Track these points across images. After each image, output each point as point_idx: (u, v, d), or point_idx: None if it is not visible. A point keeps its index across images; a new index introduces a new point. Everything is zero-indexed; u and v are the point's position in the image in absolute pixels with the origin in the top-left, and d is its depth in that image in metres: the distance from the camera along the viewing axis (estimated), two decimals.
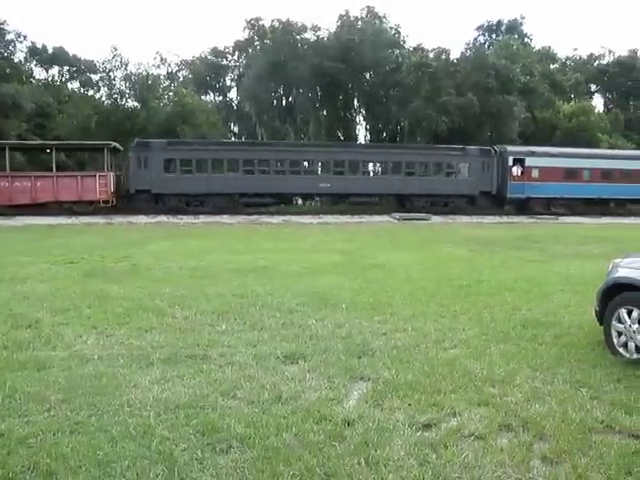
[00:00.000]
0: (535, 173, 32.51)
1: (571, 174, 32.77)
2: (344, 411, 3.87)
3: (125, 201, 29.82)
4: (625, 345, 5.12)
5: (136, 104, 40.26)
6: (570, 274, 10.41)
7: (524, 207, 33.01)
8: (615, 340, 5.23)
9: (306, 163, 32.20)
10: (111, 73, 40.78)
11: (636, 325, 4.98)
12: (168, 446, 3.34)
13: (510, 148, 33.85)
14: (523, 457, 3.25)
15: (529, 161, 32.54)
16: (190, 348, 5.31)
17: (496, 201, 33.42)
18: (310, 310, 6.99)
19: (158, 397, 4.09)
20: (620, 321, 5.17)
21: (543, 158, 32.61)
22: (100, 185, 27.62)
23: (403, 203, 32.87)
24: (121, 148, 30.21)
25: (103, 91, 41.76)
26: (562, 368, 4.82)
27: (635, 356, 4.97)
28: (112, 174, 28.78)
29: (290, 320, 6.45)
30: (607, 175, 33.26)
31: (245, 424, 3.62)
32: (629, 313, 5.07)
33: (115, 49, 40.30)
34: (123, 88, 40.71)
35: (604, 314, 5.42)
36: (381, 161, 33.38)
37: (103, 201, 27.98)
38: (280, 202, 31.96)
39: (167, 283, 8.93)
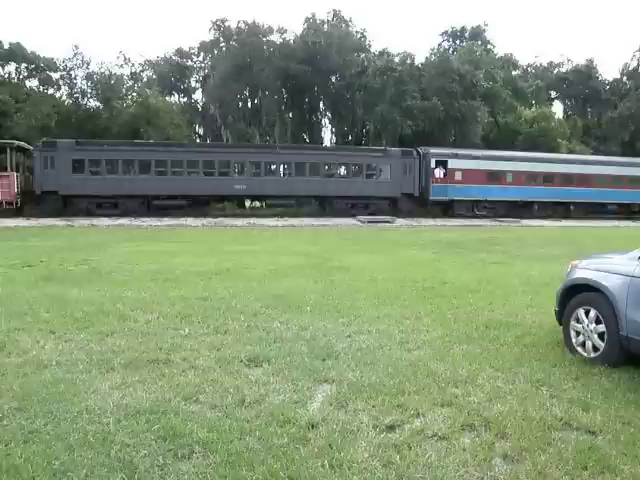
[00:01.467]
0: (458, 175, 32.80)
1: (495, 177, 33.39)
2: (308, 414, 3.85)
3: (33, 203, 28.84)
4: (583, 344, 5.25)
5: (98, 104, 39.52)
6: (531, 275, 10.63)
7: (448, 209, 33.39)
8: (574, 339, 5.36)
9: (220, 164, 31.03)
10: (72, 72, 40.06)
11: (593, 325, 5.11)
12: (128, 453, 3.26)
13: (433, 150, 33.91)
14: (485, 456, 3.30)
15: (452, 163, 32.76)
16: (152, 352, 5.20)
17: (419, 203, 33.57)
18: (274, 313, 6.95)
19: (118, 403, 3.99)
20: (578, 321, 5.30)
21: (466, 160, 32.95)
22: (2, 186, 26.76)
23: (324, 205, 32.78)
24: (30, 147, 29.17)
25: (64, 90, 40.96)
26: (523, 368, 4.90)
27: (592, 355, 5.10)
28: (16, 174, 27.80)
29: (254, 323, 6.39)
30: (531, 178, 34.03)
31: (208, 429, 3.56)
32: (587, 313, 5.20)
33: (76, 47, 39.61)
34: (85, 87, 40.00)
35: (563, 314, 5.55)
36: (299, 162, 32.45)
37: (6, 202, 27.15)
38: (193, 204, 30.88)
39: (129, 286, 8.75)
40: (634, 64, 56.97)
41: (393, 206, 32.81)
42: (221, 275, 10.23)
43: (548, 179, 34.43)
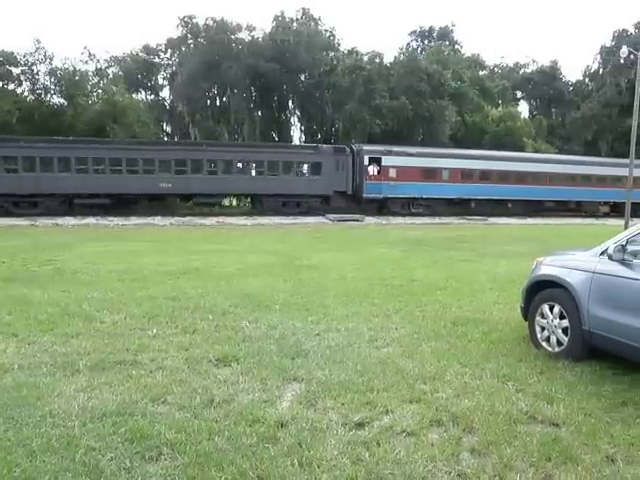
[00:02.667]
0: (392, 172, 32.46)
1: (430, 174, 33.06)
2: (277, 413, 3.84)
3: None
4: (548, 339, 5.37)
5: (62, 101, 38.60)
6: (498, 273, 10.82)
7: (383, 207, 33.11)
8: (539, 335, 5.48)
9: (144, 162, 29.80)
10: (34, 67, 38.90)
11: (557, 320, 5.23)
12: (94, 457, 3.20)
13: (366, 147, 33.69)
14: (453, 451, 3.34)
15: (386, 160, 32.44)
16: (119, 353, 5.12)
17: (352, 201, 33.25)
18: (243, 312, 6.91)
19: (84, 406, 3.91)
20: (543, 316, 5.41)
21: (401, 157, 32.56)
22: None
23: (255, 204, 32.30)
24: None
25: (25, 86, 39.77)
26: (490, 363, 4.98)
27: (557, 349, 5.22)
28: None
29: (223, 322, 6.35)
30: (468, 175, 34.02)
31: (176, 430, 3.52)
32: (551, 308, 5.32)
33: (38, 41, 38.53)
34: (48, 83, 38.95)
35: (529, 310, 5.66)
36: (227, 160, 31.54)
37: None
38: (117, 203, 29.62)
39: (95, 287, 8.59)
40: (595, 66, 58.51)
41: (326, 204, 32.40)
42: (189, 274, 10.12)
43: (485, 176, 34.45)
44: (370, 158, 32.29)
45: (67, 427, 3.57)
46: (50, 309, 6.90)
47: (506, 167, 34.89)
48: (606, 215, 37.73)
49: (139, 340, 5.57)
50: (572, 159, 38.82)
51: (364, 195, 32.31)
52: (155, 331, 5.93)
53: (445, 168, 33.57)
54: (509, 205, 36.26)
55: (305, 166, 32.46)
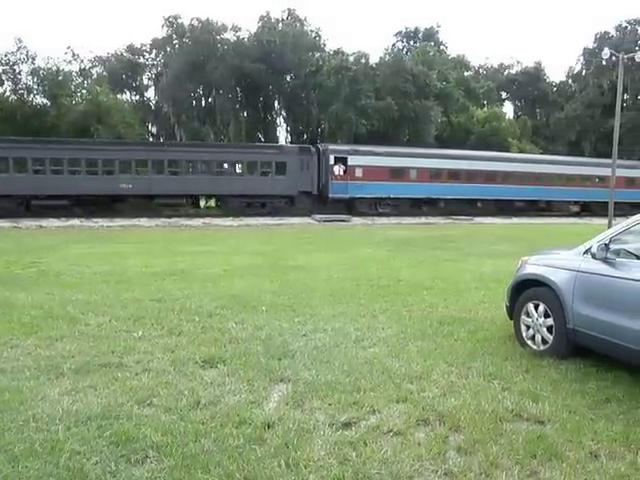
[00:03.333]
0: (359, 172, 31.79)
1: (397, 173, 32.43)
2: (264, 414, 3.83)
3: None
4: (533, 338, 5.41)
5: (45, 101, 38.21)
6: (483, 272, 10.89)
7: (351, 207, 32.35)
8: (524, 333, 5.52)
9: (103, 163, 28.80)
10: (16, 66, 38.44)
11: (542, 318, 5.28)
12: (78, 461, 3.16)
13: (332, 146, 33.21)
14: (439, 449, 3.35)
15: (352, 160, 31.76)
16: (104, 356, 5.07)
17: (318, 201, 32.50)
18: (229, 313, 6.89)
19: (68, 409, 3.86)
20: (528, 315, 5.46)
21: (367, 157, 31.99)
22: None
23: (220, 204, 31.51)
24: None
25: (7, 85, 39.30)
26: (476, 362, 5.01)
27: (542, 348, 5.26)
28: None
29: (209, 324, 6.32)
30: (436, 175, 33.41)
31: (162, 432, 3.50)
32: (536, 307, 5.37)
33: (20, 41, 38.08)
34: (30, 83, 38.51)
35: (514, 309, 5.70)
36: (189, 160, 30.52)
37: None
38: (76, 204, 28.59)
39: (80, 289, 8.51)
40: (578, 68, 59.24)
41: (291, 204, 31.75)
42: (175, 276, 10.06)
43: (454, 176, 33.83)
44: (336, 157, 31.67)
45: (51, 431, 3.52)
46: (33, 312, 6.81)
47: (475, 166, 34.32)
48: (577, 214, 37.52)
49: (124, 342, 5.52)
50: (542, 158, 38.24)
51: (330, 195, 31.65)
52: (141, 333, 5.89)
53: (413, 167, 32.98)
54: (479, 205, 35.56)
55: (270, 166, 31.32)
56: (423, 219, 30.99)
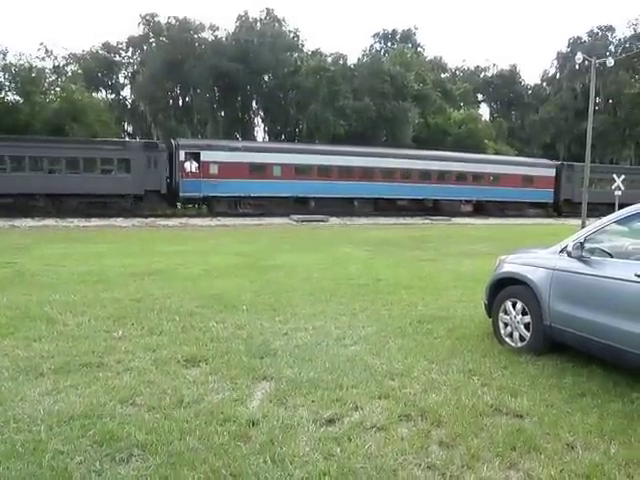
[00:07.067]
0: (214, 169, 29.45)
1: (259, 170, 30.18)
2: (248, 411, 3.85)
3: None
4: (511, 335, 5.52)
5: (18, 98, 37.50)
6: (461, 271, 11.03)
7: (210, 207, 30.61)
8: (502, 331, 5.62)
9: None
10: None
11: (520, 316, 5.39)
12: (62, 460, 3.14)
13: (182, 141, 31.07)
14: (422, 444, 3.42)
15: (205, 155, 29.46)
16: (84, 356, 5.02)
17: (169, 200, 30.76)
18: (210, 312, 6.88)
19: (50, 409, 3.83)
20: (506, 313, 5.56)
21: (223, 152, 29.83)
22: None
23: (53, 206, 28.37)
24: None
25: None
26: (456, 359, 5.10)
27: (520, 344, 5.37)
28: None
29: (190, 323, 6.30)
30: (304, 171, 31.33)
31: (146, 431, 3.49)
32: (514, 305, 5.48)
33: None
34: (2, 80, 37.77)
35: (492, 307, 5.81)
36: (15, 156, 27.31)
37: None
38: None
39: (57, 289, 8.39)
40: (552, 71, 60.37)
41: (138, 204, 29.56)
42: (154, 276, 9.99)
43: (324, 172, 31.44)
44: (187, 153, 29.41)
45: (32, 432, 3.49)
46: (10, 312, 6.71)
47: (349, 162, 32.00)
48: (470, 215, 34.90)
49: (105, 342, 5.49)
50: (428, 154, 35.58)
51: (180, 194, 29.60)
52: (121, 333, 5.85)
53: (277, 164, 30.64)
54: (355, 204, 33.25)
55: (111, 163, 29.00)
56: (401, 219, 31.18)
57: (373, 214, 32.69)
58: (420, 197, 34.22)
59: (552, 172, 37.61)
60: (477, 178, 35.66)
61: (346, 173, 31.89)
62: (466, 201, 35.95)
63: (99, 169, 28.67)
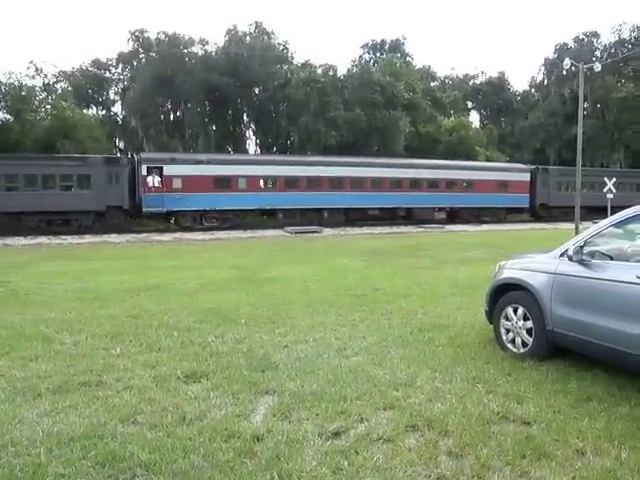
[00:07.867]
0: (177, 183, 29.07)
1: (224, 183, 29.84)
2: (252, 426, 3.78)
3: None
4: (513, 341, 5.49)
5: (8, 116, 37.42)
6: (459, 278, 11.01)
7: (176, 222, 30.10)
8: (504, 337, 5.59)
9: None
10: None
11: (522, 321, 5.36)
12: None
13: (144, 155, 30.70)
14: (430, 454, 3.37)
15: (168, 169, 28.99)
16: (82, 375, 4.94)
17: (133, 216, 30.25)
18: (208, 327, 6.81)
19: (49, 431, 3.75)
20: (508, 319, 5.53)
21: (187, 166, 29.50)
22: None
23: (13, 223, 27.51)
24: None
25: None
26: (459, 367, 5.05)
27: (522, 350, 5.34)
28: None
29: (189, 338, 6.23)
30: (270, 183, 31.32)
31: (149, 450, 3.42)
32: (515, 311, 5.45)
33: None
34: None
35: (493, 313, 5.78)
36: None
37: None
38: None
39: (52, 307, 8.30)
40: (540, 77, 60.90)
41: (100, 220, 29.01)
42: (151, 291, 9.91)
43: (292, 184, 31.12)
44: (149, 167, 28.82)
45: (32, 455, 3.41)
46: (4, 332, 6.62)
47: (318, 172, 31.44)
48: (444, 223, 34.47)
49: (103, 360, 5.41)
50: (398, 162, 35.24)
51: (144, 209, 28.90)
52: (119, 350, 5.77)
53: (242, 176, 30.21)
54: (325, 215, 32.50)
55: (71, 179, 28.41)
56: (395, 228, 31.19)
57: (367, 224, 32.61)
58: (392, 206, 33.67)
59: (527, 177, 37.39)
60: (450, 185, 35.28)
61: (314, 184, 31.39)
62: (439, 208, 35.51)
63: (59, 185, 28.09)
